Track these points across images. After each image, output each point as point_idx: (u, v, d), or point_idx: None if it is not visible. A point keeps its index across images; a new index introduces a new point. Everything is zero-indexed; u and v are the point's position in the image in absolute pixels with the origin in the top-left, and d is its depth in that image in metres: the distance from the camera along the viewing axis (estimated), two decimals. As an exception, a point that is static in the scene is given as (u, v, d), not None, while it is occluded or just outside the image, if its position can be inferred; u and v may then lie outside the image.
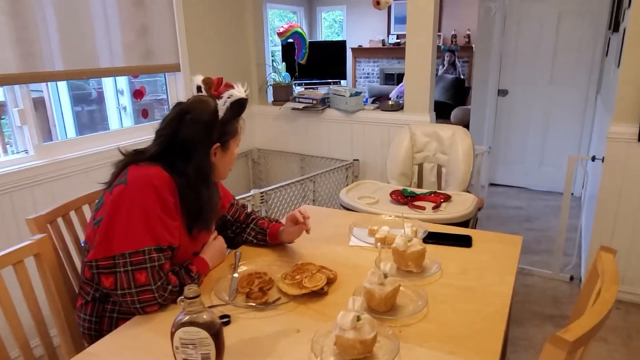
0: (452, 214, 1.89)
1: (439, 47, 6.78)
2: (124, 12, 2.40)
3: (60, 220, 1.39)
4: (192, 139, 1.22)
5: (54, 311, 1.18)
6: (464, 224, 1.88)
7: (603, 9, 3.66)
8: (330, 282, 1.28)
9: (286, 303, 1.20)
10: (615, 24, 3.23)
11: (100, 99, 4.40)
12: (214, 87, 1.26)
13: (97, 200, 1.24)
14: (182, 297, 0.92)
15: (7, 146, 3.34)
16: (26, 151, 2.10)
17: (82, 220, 1.47)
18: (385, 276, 1.14)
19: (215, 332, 0.92)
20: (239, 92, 1.24)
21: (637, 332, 2.23)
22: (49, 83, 3.80)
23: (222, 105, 1.23)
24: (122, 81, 4.05)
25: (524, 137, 4.22)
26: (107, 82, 4.08)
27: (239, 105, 1.24)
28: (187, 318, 0.91)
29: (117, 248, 1.12)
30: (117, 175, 1.20)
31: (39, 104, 3.85)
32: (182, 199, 1.22)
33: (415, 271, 1.34)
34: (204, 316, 0.92)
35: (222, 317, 1.12)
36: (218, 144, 1.26)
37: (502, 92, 4.20)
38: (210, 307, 1.16)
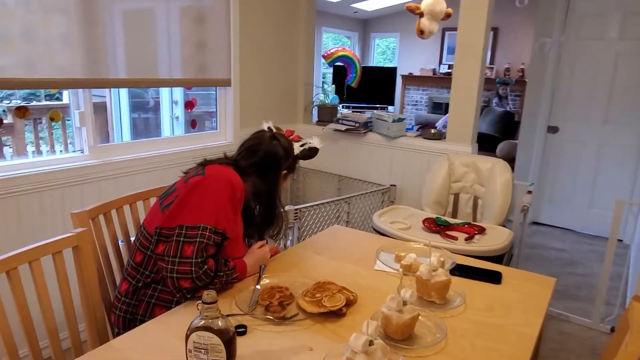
0: (484, 247, 1.85)
1: (493, 79, 6.68)
2: (185, 27, 2.55)
3: (101, 218, 1.47)
4: (274, 156, 1.48)
5: (85, 303, 1.24)
6: (498, 259, 1.83)
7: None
8: (349, 303, 1.28)
9: (303, 320, 1.21)
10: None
11: (156, 108, 4.64)
12: (287, 133, 1.58)
13: (166, 190, 1.42)
14: (200, 301, 0.95)
15: (56, 145, 3.58)
16: (82, 151, 2.25)
17: (121, 220, 1.55)
18: (405, 303, 1.13)
19: (228, 339, 0.95)
20: (316, 143, 1.58)
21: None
22: (112, 90, 4.07)
23: (300, 146, 1.56)
24: (178, 92, 4.25)
25: (573, 176, 4.05)
26: (164, 93, 4.29)
27: (314, 151, 1.58)
28: (202, 322, 0.94)
29: (180, 220, 1.27)
30: (194, 170, 1.40)
31: (101, 109, 4.13)
32: (245, 202, 1.42)
33: (437, 302, 1.32)
34: (219, 323, 0.95)
35: (238, 326, 1.14)
36: (286, 171, 1.53)
37: (552, 129, 4.06)
38: (228, 315, 1.18)
